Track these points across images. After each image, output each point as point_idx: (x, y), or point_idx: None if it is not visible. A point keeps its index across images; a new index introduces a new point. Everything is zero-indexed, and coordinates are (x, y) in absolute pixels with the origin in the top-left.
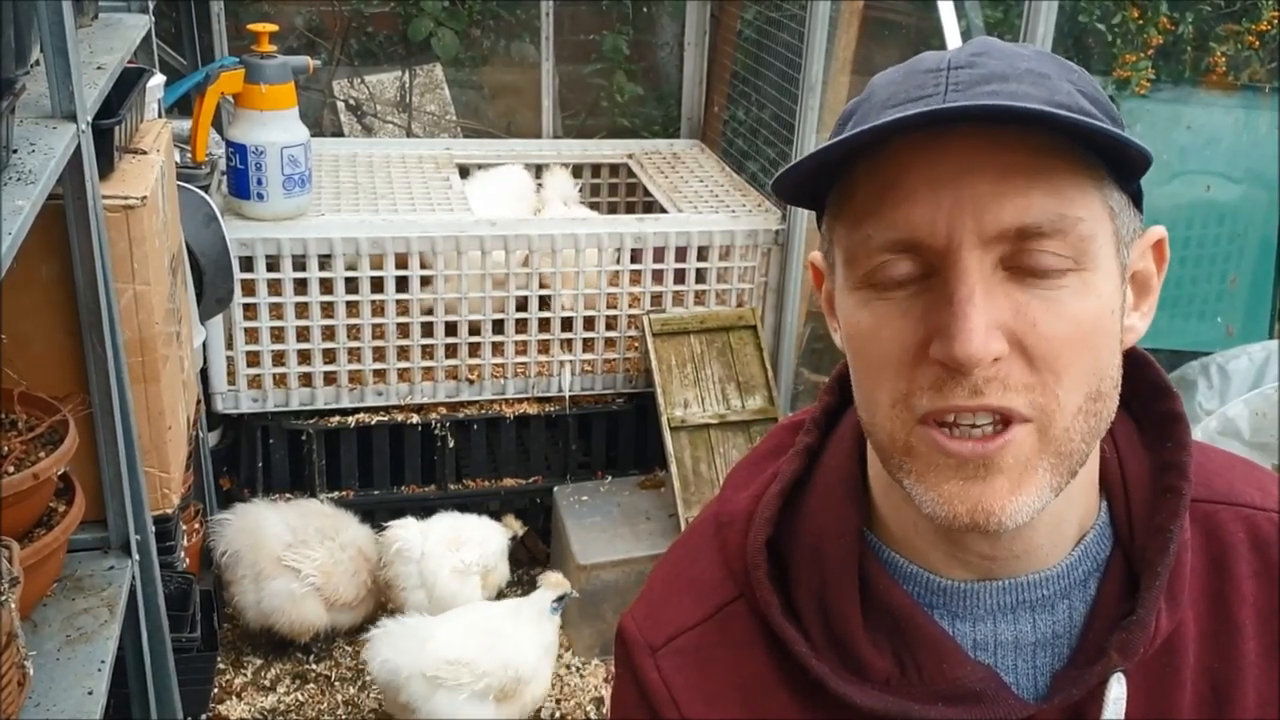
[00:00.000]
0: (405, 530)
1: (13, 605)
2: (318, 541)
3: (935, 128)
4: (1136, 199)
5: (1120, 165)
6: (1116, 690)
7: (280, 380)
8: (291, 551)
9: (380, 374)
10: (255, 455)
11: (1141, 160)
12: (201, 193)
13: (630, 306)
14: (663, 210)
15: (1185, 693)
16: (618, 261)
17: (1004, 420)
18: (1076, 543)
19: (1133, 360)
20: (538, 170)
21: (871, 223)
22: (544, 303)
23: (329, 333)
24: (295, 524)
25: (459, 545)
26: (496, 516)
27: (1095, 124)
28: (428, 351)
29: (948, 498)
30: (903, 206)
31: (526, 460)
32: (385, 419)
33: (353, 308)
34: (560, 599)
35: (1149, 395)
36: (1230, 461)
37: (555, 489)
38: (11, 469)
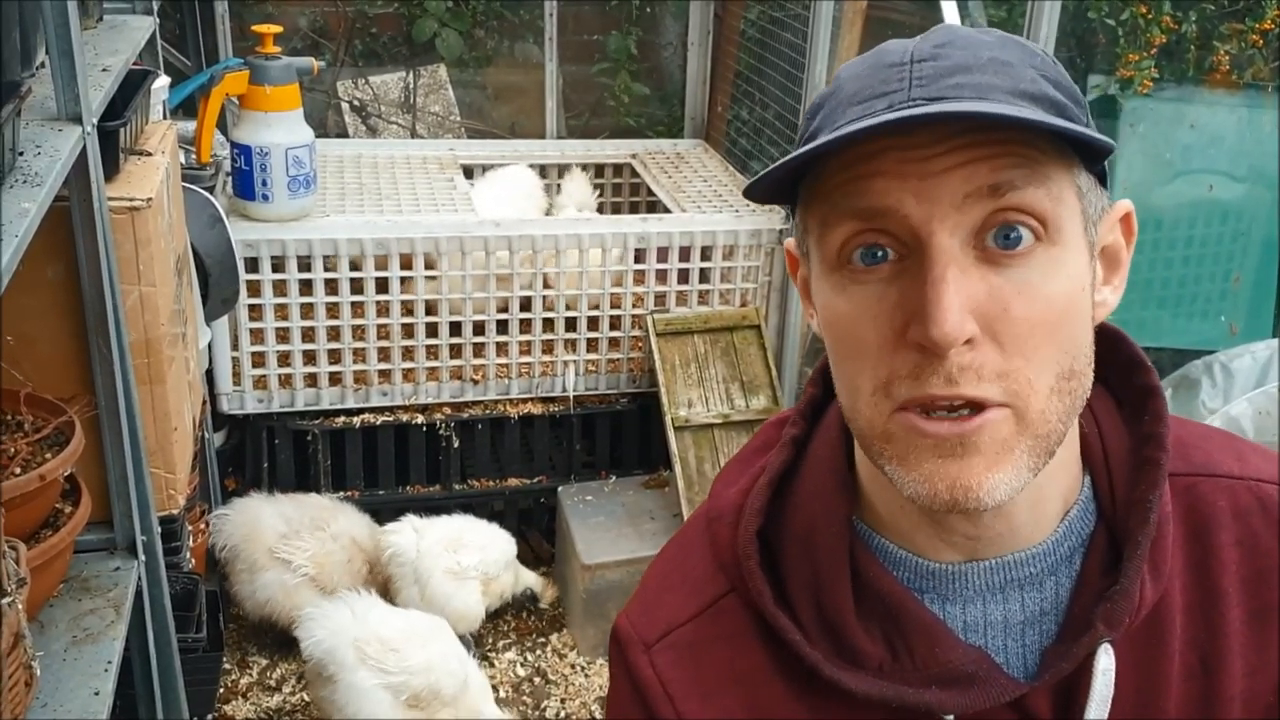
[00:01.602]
0: (399, 535)
1: (20, 606)
2: (309, 532)
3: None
4: (1101, 178)
5: (1086, 150)
6: (1105, 662)
7: (285, 381)
8: (284, 543)
9: (385, 374)
10: (260, 456)
11: (1104, 149)
12: (206, 194)
13: (634, 306)
14: (666, 210)
15: (1173, 664)
16: (621, 261)
17: (978, 407)
18: (1061, 519)
19: (1108, 336)
20: (542, 170)
21: (840, 193)
22: (548, 303)
23: (334, 333)
24: (291, 516)
25: (458, 547)
26: (501, 517)
27: (1057, 125)
28: (432, 352)
29: (927, 476)
30: (875, 181)
31: (531, 460)
32: (390, 419)
33: (358, 308)
34: None
35: (1125, 370)
36: (1207, 433)
37: (559, 489)
38: (18, 470)
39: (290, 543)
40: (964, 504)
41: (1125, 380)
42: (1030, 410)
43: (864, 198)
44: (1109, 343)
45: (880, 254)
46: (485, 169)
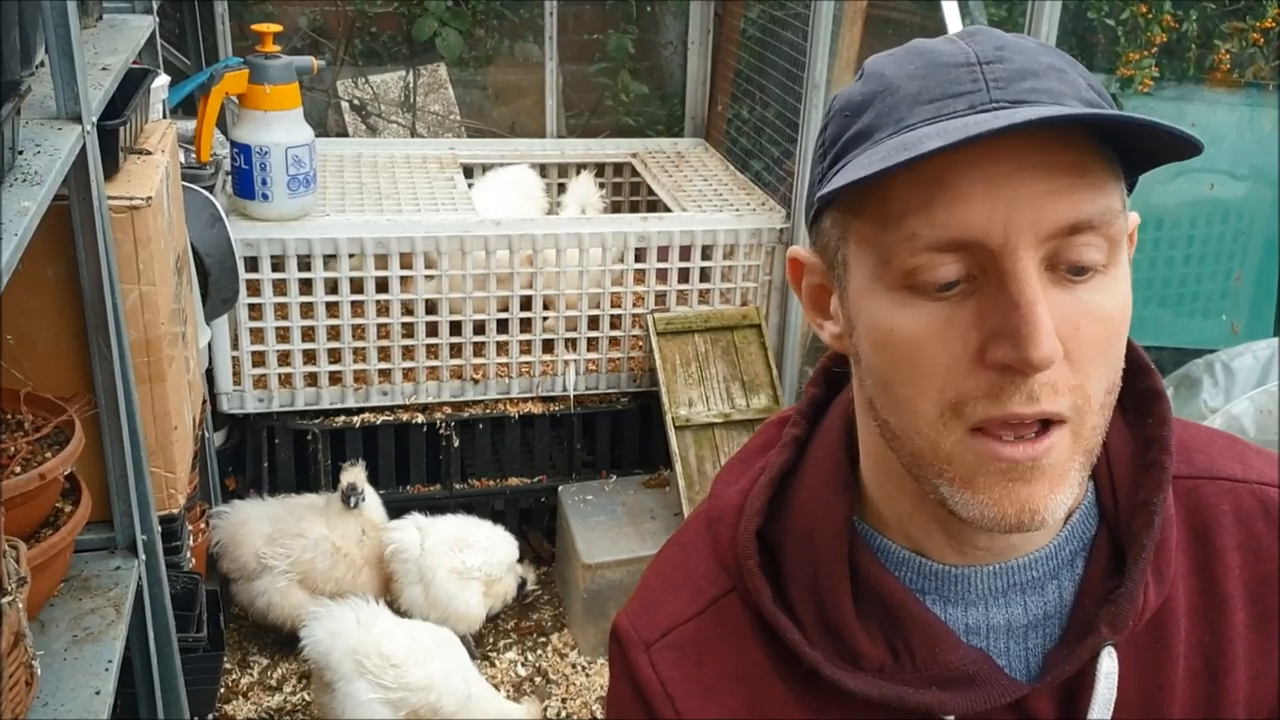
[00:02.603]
0: (402, 533)
1: (20, 605)
2: (291, 537)
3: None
4: (1131, 187)
5: (1140, 161)
6: (1108, 665)
7: (285, 380)
8: (268, 546)
9: (385, 374)
10: (261, 455)
11: (1191, 152)
12: (206, 193)
13: (634, 306)
14: (667, 209)
15: (1178, 668)
16: (622, 261)
17: (1045, 423)
18: (1064, 523)
19: None
20: (542, 169)
21: (917, 220)
22: (548, 302)
23: (334, 333)
24: (279, 517)
25: (463, 547)
26: (501, 516)
27: (1183, 131)
28: (432, 351)
29: (997, 500)
30: (956, 206)
31: (531, 460)
32: (390, 419)
33: (357, 308)
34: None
35: (1130, 374)
36: (1211, 437)
37: (560, 488)
38: (18, 469)
39: (273, 547)
40: (1029, 525)
41: (1129, 384)
42: (1085, 426)
43: (948, 229)
44: None
45: (954, 279)
46: (485, 168)
